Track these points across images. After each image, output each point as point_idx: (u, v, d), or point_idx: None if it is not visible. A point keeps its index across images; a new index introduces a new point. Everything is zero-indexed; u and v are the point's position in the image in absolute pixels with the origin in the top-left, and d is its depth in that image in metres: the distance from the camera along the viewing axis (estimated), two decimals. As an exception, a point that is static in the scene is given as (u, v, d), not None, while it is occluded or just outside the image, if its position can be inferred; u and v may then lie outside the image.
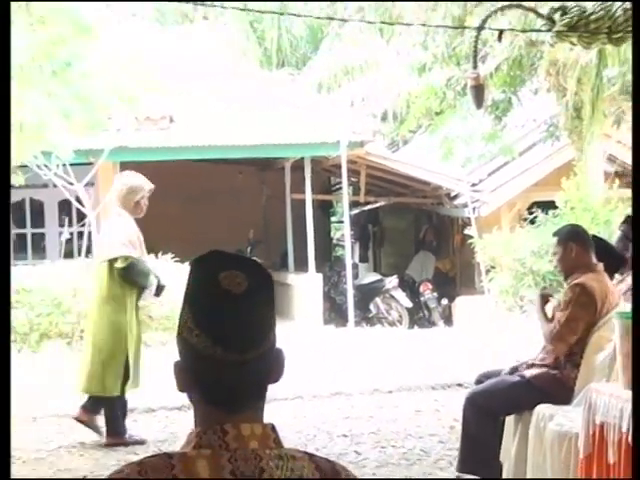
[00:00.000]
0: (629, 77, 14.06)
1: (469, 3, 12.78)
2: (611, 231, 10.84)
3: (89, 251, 14.24)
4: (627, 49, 10.66)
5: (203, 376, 1.79)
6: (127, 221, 7.97)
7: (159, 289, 8.06)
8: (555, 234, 6.51)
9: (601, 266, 6.25)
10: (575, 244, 6.24)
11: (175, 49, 14.13)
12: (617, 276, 6.83)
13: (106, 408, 7.97)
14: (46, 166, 13.07)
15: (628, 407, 4.58)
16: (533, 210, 15.31)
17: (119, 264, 7.78)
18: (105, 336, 7.84)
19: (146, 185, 8.12)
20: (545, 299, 6.40)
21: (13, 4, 9.69)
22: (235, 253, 1.95)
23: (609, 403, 4.76)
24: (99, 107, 11.96)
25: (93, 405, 8.00)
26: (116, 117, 12.89)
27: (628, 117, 14.73)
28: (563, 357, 6.10)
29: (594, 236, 6.96)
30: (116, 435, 7.94)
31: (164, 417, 8.66)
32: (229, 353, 1.76)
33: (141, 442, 7.97)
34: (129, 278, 7.81)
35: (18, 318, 12.97)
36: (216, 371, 1.77)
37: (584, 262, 6.19)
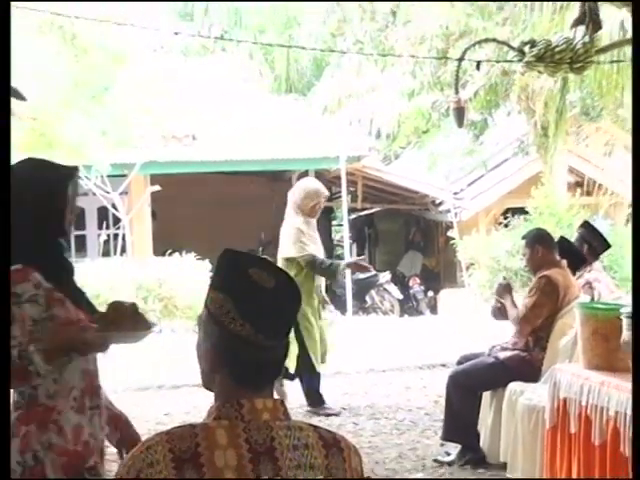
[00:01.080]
0: (588, 101, 14.11)
1: (451, 37, 12.83)
2: (573, 233, 10.83)
3: (124, 250, 14.25)
4: (586, 77, 10.69)
5: (238, 358, 1.79)
6: (296, 224, 7.60)
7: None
8: (523, 237, 6.52)
9: (564, 263, 6.26)
10: (540, 246, 6.25)
11: (197, 76, 14.12)
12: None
13: (305, 383, 7.79)
14: (87, 177, 13.08)
15: (588, 384, 4.59)
16: (507, 215, 15.29)
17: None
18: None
19: (322, 191, 7.76)
20: (509, 288, 6.41)
21: (59, 41, 9.74)
22: (247, 252, 1.95)
23: (571, 381, 4.77)
24: (132, 127, 11.97)
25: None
26: (146, 135, 12.90)
27: (585, 134, 14.81)
28: (532, 341, 6.11)
29: (562, 237, 7.01)
30: (316, 404, 7.78)
31: (188, 393, 8.65)
32: (267, 340, 1.78)
33: (337, 414, 7.72)
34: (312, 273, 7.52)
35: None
36: (253, 355, 1.78)
37: (549, 260, 6.20)
